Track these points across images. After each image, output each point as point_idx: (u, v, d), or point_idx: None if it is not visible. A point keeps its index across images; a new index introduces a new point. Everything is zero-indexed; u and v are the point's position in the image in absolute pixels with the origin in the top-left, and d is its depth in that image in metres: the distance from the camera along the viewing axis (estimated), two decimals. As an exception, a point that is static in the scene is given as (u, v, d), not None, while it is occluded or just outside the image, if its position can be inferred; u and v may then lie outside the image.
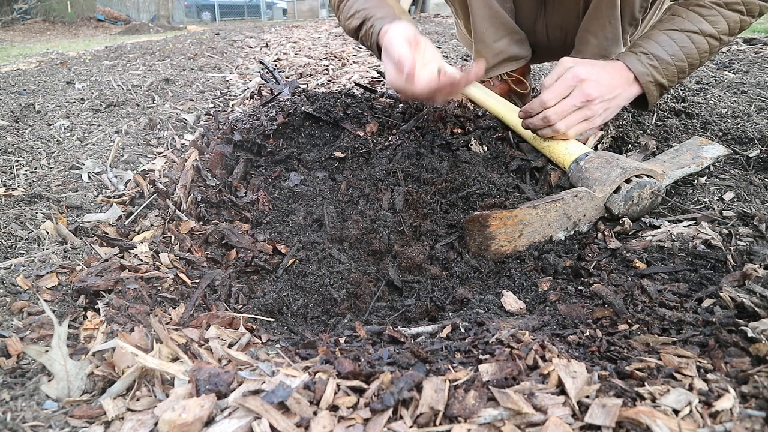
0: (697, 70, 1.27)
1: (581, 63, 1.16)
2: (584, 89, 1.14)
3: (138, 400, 0.61)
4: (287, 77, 2.73)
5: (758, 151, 1.25)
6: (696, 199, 1.12)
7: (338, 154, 1.35)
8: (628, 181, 1.05)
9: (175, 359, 0.68)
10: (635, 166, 1.06)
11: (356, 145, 1.35)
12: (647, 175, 1.07)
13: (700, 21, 1.15)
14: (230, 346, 0.75)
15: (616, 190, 1.05)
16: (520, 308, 0.89)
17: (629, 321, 0.78)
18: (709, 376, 0.62)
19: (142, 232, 1.09)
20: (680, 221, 1.06)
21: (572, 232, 1.06)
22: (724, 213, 1.04)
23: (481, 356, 0.67)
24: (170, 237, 1.11)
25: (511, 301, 0.91)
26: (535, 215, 1.01)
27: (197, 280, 0.99)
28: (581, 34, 1.46)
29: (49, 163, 1.45)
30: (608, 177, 1.06)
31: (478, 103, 1.42)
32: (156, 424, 0.56)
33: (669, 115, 1.54)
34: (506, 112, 1.33)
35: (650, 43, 1.18)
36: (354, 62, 3.23)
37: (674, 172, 1.14)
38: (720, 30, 1.15)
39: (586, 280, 0.94)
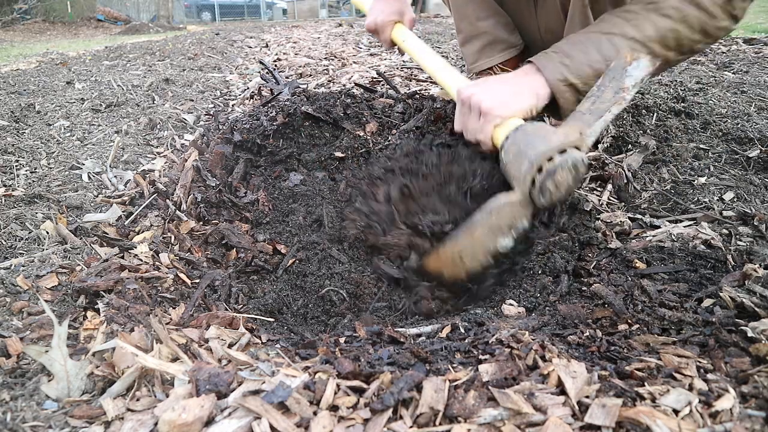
0: None
1: (470, 85, 1.12)
2: (460, 96, 1.09)
3: (138, 400, 0.61)
4: (287, 77, 2.73)
5: (758, 151, 1.25)
6: (696, 199, 1.12)
7: (338, 154, 1.35)
8: (540, 171, 0.95)
9: (175, 359, 0.68)
10: (542, 151, 0.95)
11: (355, 145, 1.35)
12: (561, 152, 0.95)
13: (623, 24, 1.07)
14: (230, 346, 0.75)
15: (533, 185, 0.96)
16: (519, 312, 0.89)
17: (629, 321, 0.78)
18: (709, 376, 0.62)
19: (142, 232, 1.09)
20: (680, 221, 1.06)
21: (514, 234, 1.00)
22: (724, 213, 1.04)
23: (481, 356, 0.67)
24: (170, 237, 1.11)
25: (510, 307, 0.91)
26: (465, 242, 1.00)
27: (197, 280, 0.99)
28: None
29: (49, 163, 1.45)
30: (520, 173, 0.97)
31: (411, 56, 1.42)
32: (156, 424, 0.56)
33: (669, 115, 1.54)
34: (435, 69, 1.27)
35: (565, 43, 1.11)
36: (354, 62, 3.23)
37: (595, 126, 1.00)
38: (646, 35, 1.05)
39: (586, 280, 0.94)
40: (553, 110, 1.12)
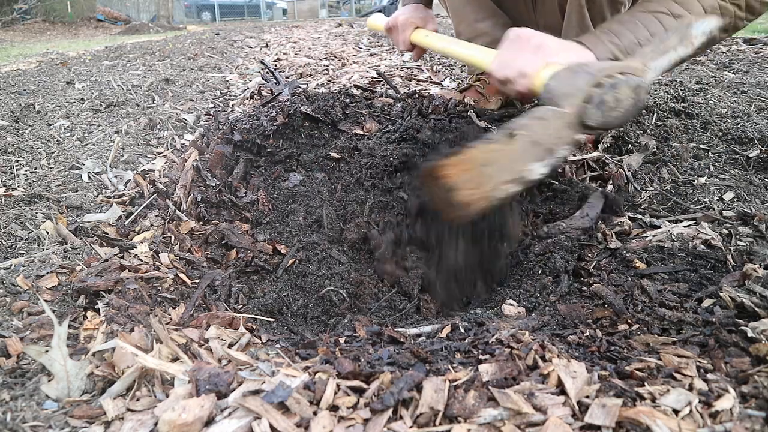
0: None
1: (522, 29, 1.09)
2: (515, 33, 1.07)
3: (138, 400, 0.61)
4: (287, 77, 2.73)
5: (758, 151, 1.25)
6: (696, 199, 1.12)
7: (334, 154, 1.35)
8: (599, 86, 0.89)
9: (175, 359, 0.68)
10: (604, 67, 0.90)
11: (353, 145, 1.35)
12: (621, 73, 0.90)
13: (669, 2, 1.07)
14: (230, 346, 0.75)
15: (589, 100, 0.89)
16: (519, 312, 0.89)
17: (629, 321, 0.78)
18: (709, 376, 0.62)
19: (142, 232, 1.09)
20: (680, 221, 1.06)
21: (551, 162, 0.90)
22: (724, 213, 1.04)
23: (481, 356, 0.67)
24: (170, 237, 1.11)
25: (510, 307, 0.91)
26: (496, 151, 0.86)
27: (197, 280, 0.99)
28: None
29: (49, 163, 1.45)
30: (575, 87, 0.90)
31: (436, 50, 1.42)
32: (156, 424, 0.56)
33: (669, 115, 1.54)
34: (467, 53, 1.23)
35: (613, 23, 1.11)
36: (354, 62, 3.23)
37: (658, 61, 0.96)
38: (694, 13, 1.05)
39: (586, 280, 0.94)
40: None
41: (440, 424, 0.55)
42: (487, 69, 1.14)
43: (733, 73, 2.19)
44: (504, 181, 0.87)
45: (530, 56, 1.02)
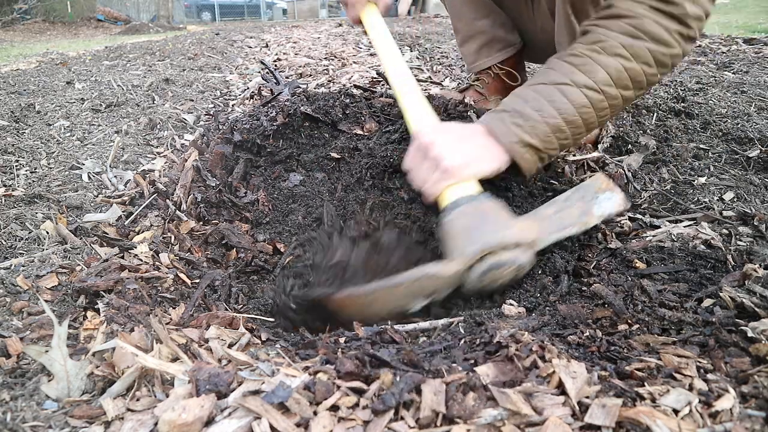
0: (587, 129, 1.04)
1: (433, 127, 1.06)
2: (420, 139, 1.02)
3: (138, 400, 0.61)
4: (287, 77, 2.73)
5: (758, 151, 1.25)
6: (696, 199, 1.12)
7: (333, 155, 1.35)
8: (482, 261, 0.90)
9: (175, 359, 0.68)
10: (496, 242, 0.90)
11: (353, 146, 1.35)
12: (512, 247, 0.91)
13: (572, 71, 0.99)
14: (230, 346, 0.75)
15: (470, 270, 0.91)
16: (519, 312, 0.89)
17: (629, 321, 0.78)
18: (709, 376, 0.62)
19: (142, 232, 1.09)
20: (680, 221, 1.06)
21: (429, 300, 0.93)
22: (724, 213, 1.04)
23: (480, 357, 0.67)
24: (170, 237, 1.11)
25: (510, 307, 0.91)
26: (380, 296, 0.90)
27: (197, 280, 0.99)
28: (556, 46, 1.44)
29: (49, 163, 1.45)
30: (463, 251, 0.90)
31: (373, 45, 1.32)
32: (156, 424, 0.56)
33: (669, 115, 1.54)
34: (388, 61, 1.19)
35: (515, 101, 1.03)
36: (354, 62, 3.23)
37: (551, 236, 0.98)
38: (598, 80, 0.98)
39: (586, 280, 0.94)
40: (515, 172, 1.05)
41: (440, 425, 0.55)
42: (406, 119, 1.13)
43: (733, 73, 2.19)
44: (386, 311, 0.91)
45: (431, 175, 0.99)
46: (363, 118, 1.43)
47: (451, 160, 0.97)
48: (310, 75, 2.81)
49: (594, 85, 0.99)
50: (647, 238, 1.01)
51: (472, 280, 0.91)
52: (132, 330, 0.73)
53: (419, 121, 1.10)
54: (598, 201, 1.00)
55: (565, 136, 1.02)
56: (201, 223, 1.20)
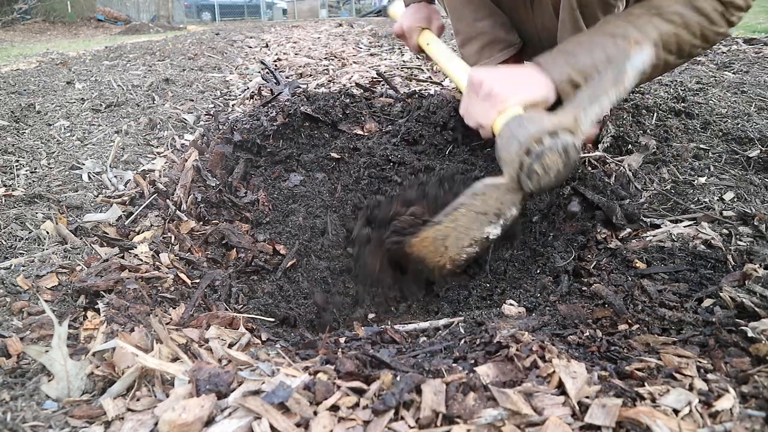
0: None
1: (481, 69, 1.13)
2: (470, 80, 1.09)
3: (138, 400, 0.61)
4: (287, 77, 2.73)
5: (758, 151, 1.25)
6: (696, 199, 1.12)
7: (334, 155, 1.35)
8: (528, 154, 0.93)
9: (175, 359, 0.68)
10: (531, 132, 0.92)
11: (353, 146, 1.35)
12: (552, 134, 0.93)
13: (627, 26, 1.08)
14: (230, 346, 0.75)
15: (521, 168, 0.93)
16: (519, 312, 0.89)
17: (629, 321, 0.78)
18: (709, 376, 0.62)
19: (142, 232, 1.09)
20: (680, 221, 1.06)
21: (502, 222, 0.97)
22: (724, 213, 1.04)
23: (480, 357, 0.67)
24: (170, 237, 1.11)
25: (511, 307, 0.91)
26: (445, 229, 0.95)
27: (197, 280, 0.99)
28: (558, 42, 1.45)
29: (49, 163, 1.45)
30: (509, 154, 0.94)
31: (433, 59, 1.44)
32: (156, 424, 0.56)
33: (669, 115, 1.54)
34: (454, 71, 1.29)
35: (570, 43, 1.12)
36: (354, 62, 3.23)
37: (590, 111, 0.97)
38: (650, 38, 1.06)
39: (586, 280, 0.94)
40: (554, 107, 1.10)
41: (441, 425, 0.55)
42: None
43: (734, 73, 2.19)
44: (464, 246, 0.96)
45: (483, 107, 1.06)
46: (363, 118, 1.43)
47: (498, 87, 1.04)
48: (310, 75, 2.81)
49: (645, 42, 1.05)
50: (647, 238, 1.01)
51: (523, 179, 0.93)
52: (132, 330, 0.73)
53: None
54: (629, 59, 0.99)
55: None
56: (201, 223, 1.20)
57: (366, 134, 1.40)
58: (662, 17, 1.07)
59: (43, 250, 0.99)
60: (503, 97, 1.03)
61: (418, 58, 3.07)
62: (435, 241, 0.96)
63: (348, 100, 1.48)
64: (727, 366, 0.63)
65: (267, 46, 4.71)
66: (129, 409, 0.59)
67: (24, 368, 0.66)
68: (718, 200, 1.10)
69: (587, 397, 0.58)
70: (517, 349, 0.66)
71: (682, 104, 1.60)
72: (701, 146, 1.34)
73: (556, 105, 1.08)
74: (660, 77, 2.06)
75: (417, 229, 1.01)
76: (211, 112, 2.00)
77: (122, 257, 0.98)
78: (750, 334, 0.67)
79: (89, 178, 1.35)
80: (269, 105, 1.57)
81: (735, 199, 1.10)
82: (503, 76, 1.08)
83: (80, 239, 1.04)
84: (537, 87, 1.07)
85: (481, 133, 1.10)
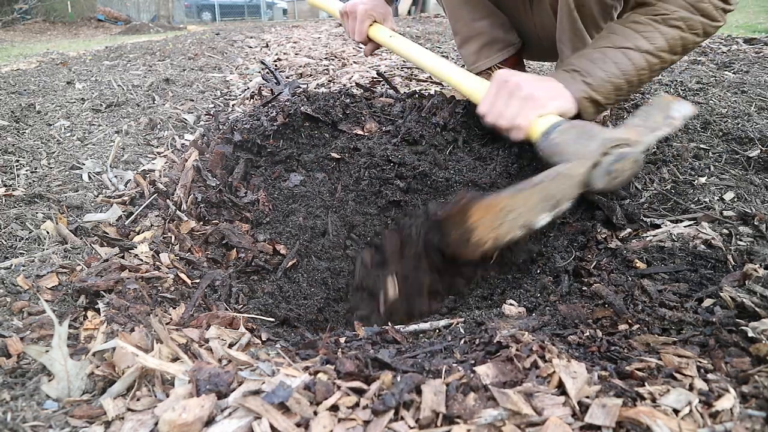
0: (637, 88, 1.20)
1: (508, 71, 1.16)
2: (505, 79, 1.13)
3: (138, 400, 0.61)
4: (287, 77, 2.73)
5: (758, 151, 1.25)
6: (696, 199, 1.12)
7: (334, 155, 1.35)
8: (607, 154, 0.99)
9: (175, 359, 0.68)
10: (613, 137, 1.00)
11: (353, 146, 1.35)
12: (625, 144, 1.00)
13: (635, 37, 1.12)
14: (230, 346, 0.75)
15: (597, 165, 0.99)
16: (519, 312, 0.89)
17: (629, 321, 0.78)
18: (710, 376, 0.62)
19: (143, 232, 1.09)
20: (680, 221, 1.06)
21: (554, 212, 0.99)
22: (725, 213, 1.04)
23: (480, 357, 0.67)
24: (170, 237, 1.11)
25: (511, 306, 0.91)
26: (519, 201, 0.94)
27: (197, 280, 0.99)
28: (557, 44, 1.46)
29: (49, 163, 1.45)
30: (586, 150, 0.99)
31: (403, 56, 1.46)
32: (156, 424, 0.56)
33: (669, 115, 1.54)
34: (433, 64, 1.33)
35: (583, 61, 1.15)
36: (354, 62, 3.23)
37: (648, 137, 1.07)
38: (658, 46, 1.12)
39: (586, 280, 0.94)
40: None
41: (441, 425, 0.55)
42: (475, 102, 1.22)
43: (734, 73, 2.19)
44: (516, 227, 0.96)
45: (521, 108, 1.10)
46: (363, 118, 1.43)
47: (539, 93, 1.10)
48: (311, 75, 2.81)
49: (654, 51, 1.12)
50: (647, 238, 1.01)
51: (599, 175, 0.99)
52: (132, 330, 0.73)
53: (478, 81, 1.24)
54: (674, 108, 1.13)
55: (622, 93, 1.17)
56: (201, 223, 1.20)
57: (366, 134, 1.40)
58: (667, 24, 1.11)
59: (43, 250, 0.99)
60: (543, 102, 1.09)
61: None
62: (500, 212, 0.93)
63: (348, 100, 1.48)
64: (727, 366, 0.63)
65: (267, 46, 4.71)
66: (129, 409, 0.59)
67: (24, 368, 0.66)
68: (718, 200, 1.10)
69: (587, 397, 0.58)
70: (517, 349, 0.66)
71: (683, 104, 1.60)
72: (701, 146, 1.34)
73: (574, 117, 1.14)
74: (660, 77, 2.06)
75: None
76: (212, 112, 2.00)
77: (122, 257, 0.98)
78: (750, 334, 0.67)
79: (89, 178, 1.35)
80: (269, 105, 1.57)
81: (735, 199, 1.10)
82: (537, 81, 1.13)
83: (80, 239, 1.04)
84: (566, 98, 1.13)
85: (512, 134, 1.13)
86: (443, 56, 1.77)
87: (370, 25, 1.55)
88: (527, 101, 1.09)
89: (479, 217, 0.93)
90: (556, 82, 1.14)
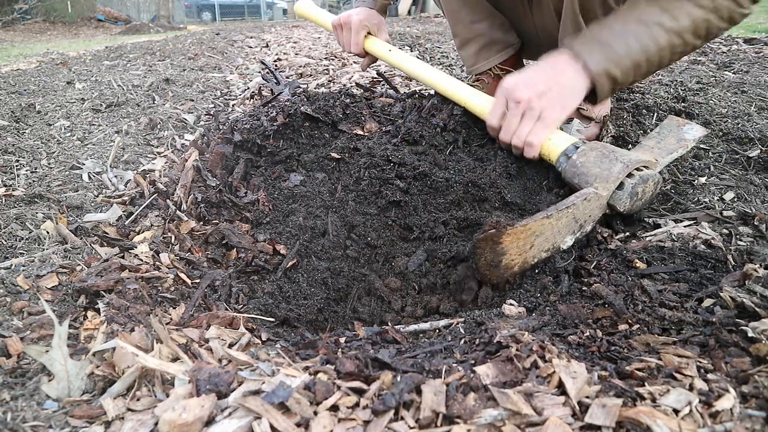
0: (654, 71, 1.15)
1: (511, 75, 1.13)
2: (514, 96, 1.09)
3: (138, 400, 0.61)
4: (287, 77, 2.73)
5: (758, 151, 1.25)
6: (696, 199, 1.12)
7: (334, 155, 1.35)
8: (629, 175, 1.01)
9: (175, 359, 0.68)
10: (635, 159, 1.01)
11: (353, 146, 1.35)
12: (645, 167, 1.03)
13: (659, 14, 1.06)
14: (230, 346, 0.75)
15: (619, 186, 1.01)
16: (519, 312, 0.89)
17: (629, 321, 0.78)
18: (710, 376, 0.62)
19: (143, 232, 1.09)
20: (680, 221, 1.06)
21: (578, 235, 1.01)
22: (725, 213, 1.04)
23: (480, 357, 0.67)
24: (170, 237, 1.11)
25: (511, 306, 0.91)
26: (548, 225, 0.95)
27: (197, 280, 0.99)
28: (559, 45, 1.45)
29: (49, 163, 1.45)
30: (609, 173, 1.00)
31: (402, 71, 1.47)
32: (156, 424, 0.56)
33: (669, 115, 1.54)
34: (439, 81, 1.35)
35: (605, 31, 1.08)
36: (354, 62, 3.23)
37: (664, 159, 1.09)
38: (682, 26, 1.05)
39: (586, 280, 0.94)
40: (587, 97, 1.14)
41: (441, 425, 0.55)
42: (482, 117, 1.22)
43: (734, 73, 2.19)
44: (544, 250, 0.98)
45: (532, 126, 1.08)
46: (363, 118, 1.43)
47: (550, 110, 1.08)
48: (311, 75, 2.81)
49: (678, 29, 1.06)
50: (647, 238, 1.01)
51: (623, 197, 1.01)
52: (132, 330, 0.73)
53: (486, 98, 1.25)
54: (686, 130, 1.16)
55: (640, 72, 1.10)
56: (201, 223, 1.20)
57: (366, 134, 1.40)
58: (694, 3, 1.06)
59: (43, 250, 0.99)
60: (556, 118, 1.08)
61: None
62: (531, 236, 0.94)
63: (348, 100, 1.48)
64: (727, 366, 0.63)
65: (267, 46, 4.71)
66: (129, 409, 0.59)
67: (24, 368, 0.66)
68: (718, 200, 1.10)
69: (587, 397, 0.58)
70: (517, 349, 0.66)
71: (683, 104, 1.61)
72: (701, 146, 1.34)
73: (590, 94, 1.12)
74: (660, 77, 2.06)
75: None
76: (212, 112, 2.00)
77: (122, 257, 0.98)
78: (750, 334, 0.67)
79: (89, 178, 1.35)
80: (269, 105, 1.57)
81: (735, 199, 1.10)
82: (547, 87, 1.08)
83: (80, 239, 1.04)
84: (579, 92, 1.09)
85: (525, 152, 1.12)
86: (443, 57, 1.77)
87: (366, 36, 1.56)
88: (541, 120, 1.07)
89: (510, 242, 0.94)
90: (566, 69, 1.09)
